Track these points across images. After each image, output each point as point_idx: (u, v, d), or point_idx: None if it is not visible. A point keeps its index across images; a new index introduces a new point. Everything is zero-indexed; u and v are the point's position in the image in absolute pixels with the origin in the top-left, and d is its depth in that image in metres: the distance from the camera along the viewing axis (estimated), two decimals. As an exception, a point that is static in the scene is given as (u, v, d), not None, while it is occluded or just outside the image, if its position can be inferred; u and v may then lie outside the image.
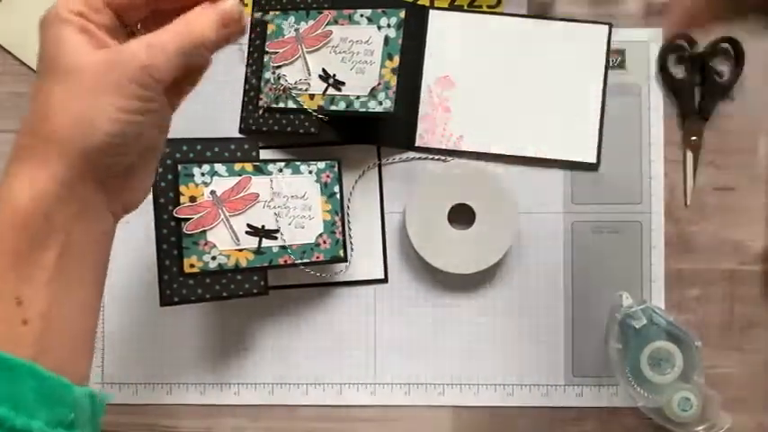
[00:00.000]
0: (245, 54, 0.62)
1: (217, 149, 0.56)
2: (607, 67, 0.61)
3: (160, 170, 0.53)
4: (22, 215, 0.33)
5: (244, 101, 0.61)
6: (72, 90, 0.34)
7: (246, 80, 0.61)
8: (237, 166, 0.56)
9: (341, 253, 0.58)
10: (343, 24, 0.58)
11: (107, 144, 0.34)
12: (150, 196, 0.53)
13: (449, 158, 0.61)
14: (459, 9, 0.62)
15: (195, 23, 0.36)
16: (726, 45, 0.61)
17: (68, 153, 0.34)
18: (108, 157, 0.35)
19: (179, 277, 0.53)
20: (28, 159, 0.34)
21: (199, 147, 0.55)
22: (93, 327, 0.38)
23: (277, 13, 0.60)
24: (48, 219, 0.34)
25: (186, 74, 0.38)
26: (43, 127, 0.34)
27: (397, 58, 0.56)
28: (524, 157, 0.61)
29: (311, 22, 0.59)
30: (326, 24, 0.59)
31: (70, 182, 0.34)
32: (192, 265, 0.53)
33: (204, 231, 0.54)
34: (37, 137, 0.34)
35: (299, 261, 0.56)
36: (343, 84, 0.58)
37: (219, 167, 0.55)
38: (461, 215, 0.60)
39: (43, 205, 0.34)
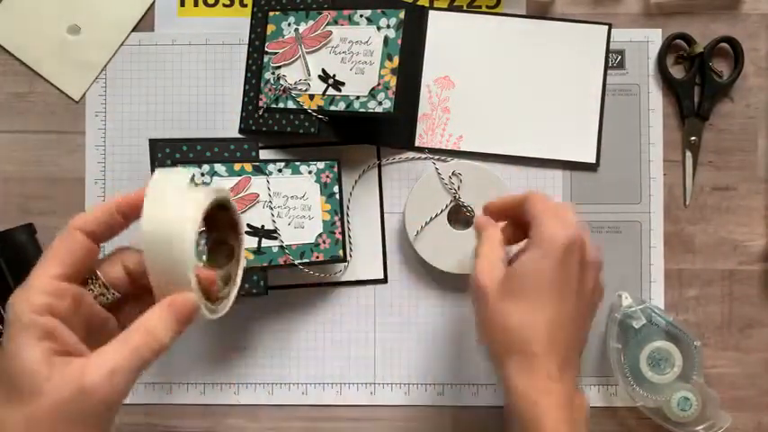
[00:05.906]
0: (246, 54, 0.62)
1: (217, 149, 0.56)
2: (606, 67, 0.61)
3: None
4: None
5: (244, 101, 0.62)
6: (30, 421, 0.34)
7: (246, 80, 0.62)
8: (237, 167, 0.56)
9: (340, 253, 0.59)
10: (342, 25, 0.58)
11: None
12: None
13: (449, 158, 0.61)
14: (459, 9, 0.62)
15: (155, 332, 0.36)
16: (725, 45, 0.61)
17: None
18: None
19: (179, 277, 0.53)
20: None
21: (199, 147, 0.55)
22: None
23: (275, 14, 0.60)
24: None
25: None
26: None
27: (396, 59, 0.56)
28: (524, 157, 0.61)
29: (311, 23, 0.59)
30: (326, 25, 0.59)
31: None
32: (191, 266, 0.53)
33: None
34: None
35: (299, 261, 0.56)
36: (342, 84, 0.58)
37: (219, 167, 0.55)
38: (461, 215, 0.60)
39: None
